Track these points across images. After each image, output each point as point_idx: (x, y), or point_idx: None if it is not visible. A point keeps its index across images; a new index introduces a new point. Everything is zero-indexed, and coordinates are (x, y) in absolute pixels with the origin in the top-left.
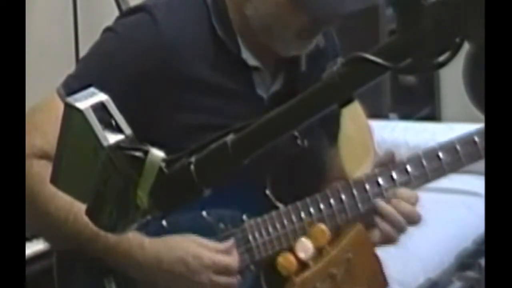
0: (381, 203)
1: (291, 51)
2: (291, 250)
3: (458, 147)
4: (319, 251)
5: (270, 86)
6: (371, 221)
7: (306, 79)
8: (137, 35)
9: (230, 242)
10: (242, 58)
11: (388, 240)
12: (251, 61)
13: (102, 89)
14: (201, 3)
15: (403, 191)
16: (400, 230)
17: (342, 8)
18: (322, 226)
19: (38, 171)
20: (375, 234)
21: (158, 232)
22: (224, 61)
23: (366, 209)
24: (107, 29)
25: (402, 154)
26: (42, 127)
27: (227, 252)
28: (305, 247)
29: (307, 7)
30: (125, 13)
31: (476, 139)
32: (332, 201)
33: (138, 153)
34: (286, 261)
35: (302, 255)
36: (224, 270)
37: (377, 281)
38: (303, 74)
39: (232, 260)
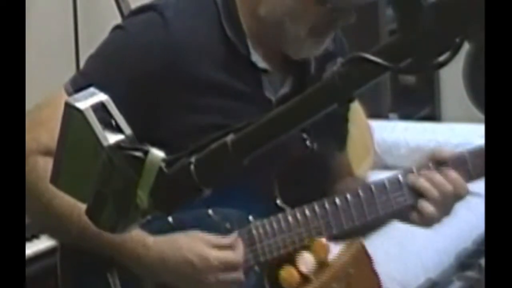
0: (419, 180)
1: (303, 52)
2: (293, 263)
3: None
4: (320, 265)
5: (279, 88)
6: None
7: (315, 82)
8: (147, 34)
9: (234, 236)
10: (251, 60)
11: (428, 219)
12: (261, 63)
13: (109, 86)
14: (211, 4)
15: (452, 173)
16: (440, 207)
17: None
18: (323, 240)
19: (43, 168)
20: (416, 216)
21: (164, 229)
22: (234, 62)
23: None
24: (117, 27)
25: (402, 154)
26: (48, 123)
27: (232, 246)
28: (306, 261)
29: None
30: (135, 12)
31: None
32: (338, 204)
33: (138, 153)
34: (288, 274)
35: (303, 268)
36: (231, 267)
37: None
38: (312, 77)
39: (238, 254)
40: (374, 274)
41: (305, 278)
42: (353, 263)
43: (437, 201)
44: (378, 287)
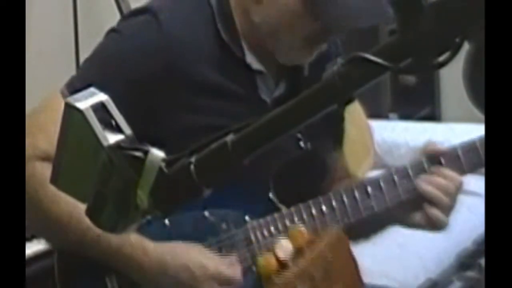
0: (424, 187)
1: (295, 59)
2: (271, 250)
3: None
4: (298, 252)
5: (273, 90)
6: (414, 207)
7: (309, 83)
8: (141, 37)
9: (233, 257)
10: (246, 61)
11: (437, 224)
12: (255, 65)
13: (106, 90)
14: (205, 6)
15: (448, 171)
16: (448, 210)
17: (356, 22)
18: (301, 227)
19: (41, 173)
20: (422, 219)
21: (161, 231)
22: (228, 64)
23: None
24: (111, 30)
25: (402, 154)
26: (46, 128)
27: (231, 265)
28: (284, 247)
29: (322, 16)
30: (130, 14)
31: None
32: (334, 203)
33: (138, 153)
34: (266, 261)
35: (281, 255)
36: (228, 282)
37: (354, 282)
38: (306, 78)
39: (236, 273)
40: (352, 259)
41: (282, 264)
42: (330, 249)
43: (446, 206)
44: (356, 272)
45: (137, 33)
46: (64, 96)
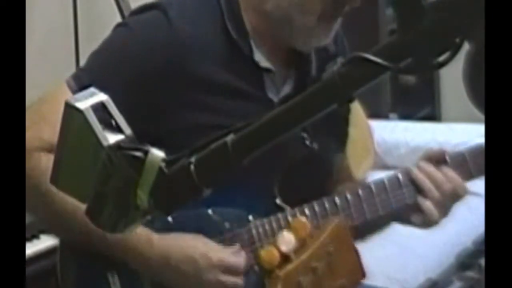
0: (416, 173)
1: (312, 42)
2: (274, 243)
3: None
4: (301, 244)
5: (281, 89)
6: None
7: (316, 83)
8: (150, 33)
9: (237, 246)
10: (254, 59)
11: (429, 217)
12: (263, 62)
13: (110, 83)
14: (214, 3)
15: (449, 171)
16: (440, 206)
17: None
18: (303, 219)
19: (47, 165)
20: (416, 216)
21: (164, 228)
22: (236, 62)
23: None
24: (120, 25)
25: (402, 154)
26: (50, 119)
27: (234, 253)
28: (287, 240)
29: None
30: (138, 10)
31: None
32: (338, 203)
33: (138, 153)
34: (268, 254)
35: (284, 248)
36: (231, 270)
37: (356, 273)
38: (313, 78)
39: (240, 260)
40: (355, 250)
41: (285, 257)
42: (333, 241)
43: (437, 200)
44: (358, 264)
45: (146, 28)
46: (71, 88)
